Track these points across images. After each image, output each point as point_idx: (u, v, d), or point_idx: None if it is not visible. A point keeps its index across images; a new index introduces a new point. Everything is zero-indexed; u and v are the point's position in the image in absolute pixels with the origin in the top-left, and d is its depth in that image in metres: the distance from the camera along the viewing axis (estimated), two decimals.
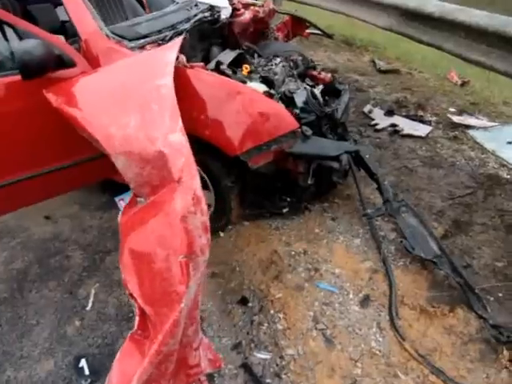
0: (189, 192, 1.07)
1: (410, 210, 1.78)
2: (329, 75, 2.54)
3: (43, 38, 1.56)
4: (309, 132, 1.70)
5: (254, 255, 1.89)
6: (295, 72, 2.40)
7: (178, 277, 1.02)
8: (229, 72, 1.92)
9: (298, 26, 3.19)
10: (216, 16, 2.49)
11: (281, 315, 1.60)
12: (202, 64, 1.80)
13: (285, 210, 2.07)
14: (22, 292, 1.88)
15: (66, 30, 2.85)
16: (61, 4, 3.15)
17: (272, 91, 1.78)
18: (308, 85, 2.44)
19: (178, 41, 1.64)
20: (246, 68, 2.01)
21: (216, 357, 1.31)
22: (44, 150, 1.66)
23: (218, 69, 1.90)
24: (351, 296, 1.64)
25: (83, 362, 1.47)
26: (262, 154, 1.64)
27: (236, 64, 2.36)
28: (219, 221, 1.99)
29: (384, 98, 3.24)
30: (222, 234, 2.05)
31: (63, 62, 1.64)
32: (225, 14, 2.60)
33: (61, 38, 2.50)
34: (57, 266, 1.99)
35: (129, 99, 1.38)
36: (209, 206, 1.96)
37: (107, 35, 1.72)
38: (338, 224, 2.01)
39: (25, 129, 1.59)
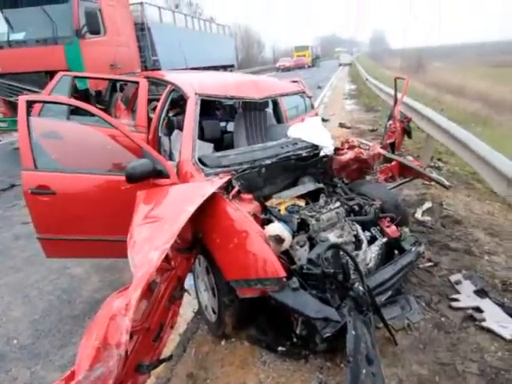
0: (127, 298, 1.43)
1: None
2: (397, 231, 2.43)
3: (154, 158, 2.32)
4: (295, 285, 1.75)
5: (228, 376, 1.98)
6: (358, 219, 2.46)
7: (87, 356, 1.36)
8: (273, 209, 2.24)
9: (407, 170, 3.17)
10: (312, 154, 2.87)
11: None
12: (250, 197, 2.19)
13: (280, 349, 2.06)
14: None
15: (223, 139, 3.88)
16: (224, 120, 4.32)
17: (285, 236, 1.95)
18: (371, 235, 2.44)
19: (223, 180, 2.10)
20: (285, 209, 2.27)
21: None
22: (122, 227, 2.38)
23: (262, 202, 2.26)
24: None
25: None
26: (250, 288, 1.82)
27: (317, 195, 2.65)
28: (218, 329, 2.18)
29: (495, 273, 2.66)
30: (222, 343, 2.22)
31: (162, 174, 2.37)
32: (325, 151, 2.96)
33: (210, 147, 3.46)
34: None
35: (162, 214, 1.91)
36: (214, 311, 2.21)
37: (194, 162, 2.38)
38: None
39: (121, 210, 2.34)
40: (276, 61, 43.88)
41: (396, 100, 4.77)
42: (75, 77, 4.34)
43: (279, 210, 2.32)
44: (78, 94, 5.99)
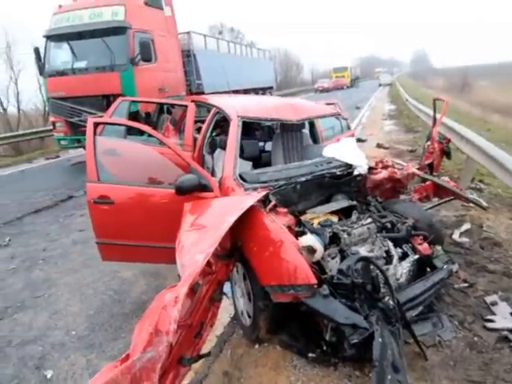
0: (176, 292, 1.64)
1: None
2: (429, 249, 2.48)
3: (200, 174, 2.58)
4: (325, 292, 1.88)
5: (260, 376, 2.12)
6: (390, 235, 2.54)
7: (142, 340, 1.58)
8: (307, 223, 2.40)
9: (442, 190, 3.19)
10: (346, 172, 3.01)
11: None
12: (285, 210, 2.37)
13: (310, 355, 2.17)
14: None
15: (261, 157, 4.12)
16: (263, 140, 4.56)
17: (317, 247, 2.09)
18: (403, 251, 2.51)
19: (261, 194, 2.30)
20: (318, 223, 2.41)
21: None
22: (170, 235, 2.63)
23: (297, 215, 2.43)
24: None
25: None
26: (283, 293, 1.97)
27: (350, 212, 2.77)
28: (253, 333, 2.34)
29: None
30: (256, 346, 2.37)
31: (206, 188, 2.62)
32: (359, 170, 3.09)
33: (249, 165, 3.70)
34: None
35: (206, 223, 2.14)
36: (249, 316, 2.37)
37: (235, 178, 2.61)
38: None
39: (168, 219, 2.61)
40: (314, 82, 44.43)
41: (435, 121, 4.78)
42: (132, 101, 4.83)
43: (312, 224, 2.47)
44: (130, 115, 6.61)
